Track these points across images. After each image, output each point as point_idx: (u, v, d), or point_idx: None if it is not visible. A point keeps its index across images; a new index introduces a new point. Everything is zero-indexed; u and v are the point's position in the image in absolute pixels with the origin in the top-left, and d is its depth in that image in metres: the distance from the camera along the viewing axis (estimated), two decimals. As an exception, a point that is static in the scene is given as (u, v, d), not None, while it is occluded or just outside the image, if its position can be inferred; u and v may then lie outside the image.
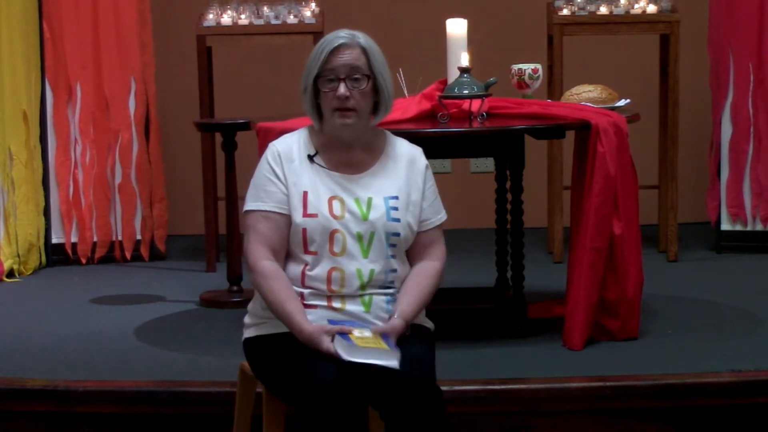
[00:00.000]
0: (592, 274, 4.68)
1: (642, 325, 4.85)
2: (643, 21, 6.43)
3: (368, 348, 3.34)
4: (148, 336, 5.06)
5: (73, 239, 6.63)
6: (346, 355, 3.33)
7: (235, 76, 7.25)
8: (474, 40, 4.97)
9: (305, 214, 3.52)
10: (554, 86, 6.38)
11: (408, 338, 3.48)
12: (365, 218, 3.53)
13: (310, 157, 3.58)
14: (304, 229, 3.51)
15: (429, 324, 3.66)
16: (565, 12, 6.45)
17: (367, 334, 3.40)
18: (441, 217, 3.66)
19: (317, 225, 3.51)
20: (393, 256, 3.55)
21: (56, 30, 6.57)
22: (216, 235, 6.45)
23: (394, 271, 3.56)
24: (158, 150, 6.70)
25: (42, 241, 6.55)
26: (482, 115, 4.76)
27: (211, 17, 6.51)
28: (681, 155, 6.54)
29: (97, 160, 6.60)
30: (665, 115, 6.50)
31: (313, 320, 3.46)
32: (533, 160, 5.41)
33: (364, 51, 3.55)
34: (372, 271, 3.52)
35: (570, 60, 6.47)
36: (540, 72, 5.15)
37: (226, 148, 5.68)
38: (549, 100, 5.61)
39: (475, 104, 4.76)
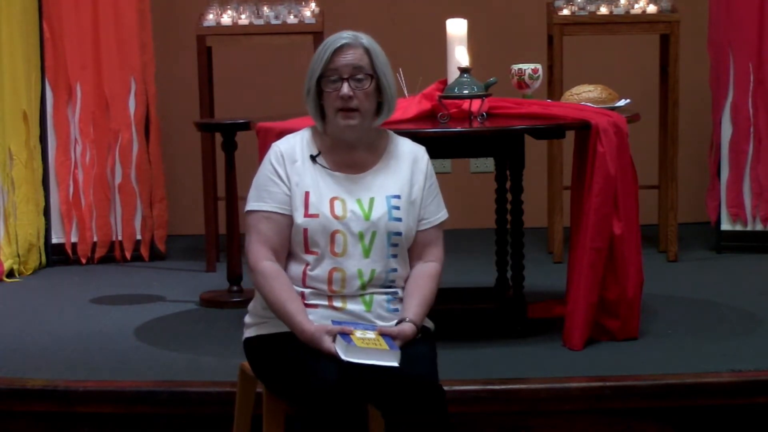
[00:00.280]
0: (592, 274, 4.68)
1: (642, 325, 4.85)
2: (643, 21, 6.43)
3: (368, 348, 3.34)
4: (148, 336, 5.05)
5: (73, 239, 6.63)
6: (345, 356, 3.33)
7: (235, 76, 7.25)
8: (474, 40, 4.97)
9: (306, 215, 3.52)
10: (554, 86, 6.37)
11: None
12: (367, 218, 3.53)
13: (313, 158, 3.58)
14: (305, 230, 3.51)
15: (429, 324, 3.66)
16: (565, 12, 6.45)
17: (369, 335, 3.40)
18: (441, 216, 3.66)
19: (318, 225, 3.51)
20: (394, 256, 3.55)
21: (56, 30, 6.56)
22: (216, 235, 6.44)
23: (395, 270, 3.56)
24: (158, 150, 6.70)
25: (42, 241, 6.54)
26: (482, 115, 4.76)
27: (211, 17, 6.50)
28: (681, 155, 6.54)
29: (97, 160, 6.59)
30: (665, 115, 6.50)
31: (315, 320, 3.46)
32: (533, 160, 5.40)
33: (367, 51, 3.55)
34: (373, 271, 3.52)
35: (570, 60, 6.47)
36: (540, 72, 5.15)
37: (226, 148, 5.68)
38: (549, 100, 5.60)
39: (475, 104, 4.76)
